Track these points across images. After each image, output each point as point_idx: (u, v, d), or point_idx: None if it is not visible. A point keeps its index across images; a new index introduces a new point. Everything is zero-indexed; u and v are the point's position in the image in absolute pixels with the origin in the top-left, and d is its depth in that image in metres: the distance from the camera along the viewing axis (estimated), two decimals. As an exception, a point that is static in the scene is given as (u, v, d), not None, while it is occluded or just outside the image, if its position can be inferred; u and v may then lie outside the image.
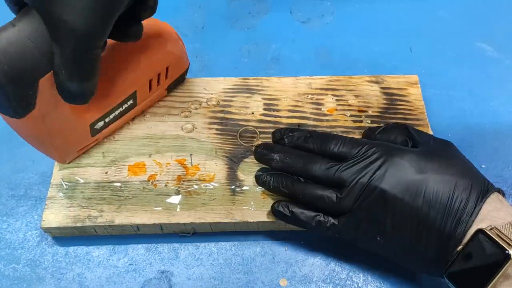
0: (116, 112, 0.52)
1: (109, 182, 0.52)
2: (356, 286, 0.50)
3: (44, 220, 0.50)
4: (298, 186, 0.48)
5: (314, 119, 0.57)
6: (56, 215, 0.50)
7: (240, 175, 0.53)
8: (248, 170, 0.53)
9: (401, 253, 0.44)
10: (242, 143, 0.55)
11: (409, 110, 0.57)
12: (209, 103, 0.58)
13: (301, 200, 0.48)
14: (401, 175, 0.43)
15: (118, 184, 0.52)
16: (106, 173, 0.53)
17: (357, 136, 0.55)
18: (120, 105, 0.52)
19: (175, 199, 0.51)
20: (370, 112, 0.57)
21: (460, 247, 0.40)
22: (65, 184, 0.52)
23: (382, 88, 0.59)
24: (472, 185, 0.42)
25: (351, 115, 0.57)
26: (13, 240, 0.53)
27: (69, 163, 0.53)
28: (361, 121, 0.56)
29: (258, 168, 0.53)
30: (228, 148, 0.54)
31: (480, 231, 0.39)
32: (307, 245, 0.52)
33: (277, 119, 0.57)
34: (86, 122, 0.50)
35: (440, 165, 0.43)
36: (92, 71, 0.40)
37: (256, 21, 0.72)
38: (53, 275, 0.50)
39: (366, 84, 0.59)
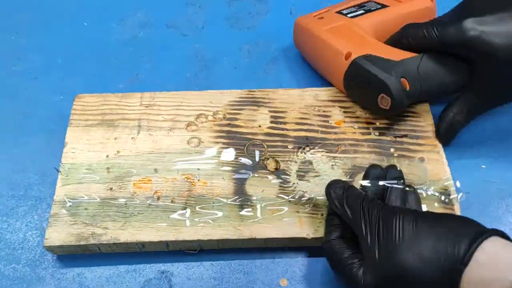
0: None
1: (114, 199, 0.51)
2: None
3: (46, 239, 0.49)
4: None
5: (322, 132, 0.56)
6: (60, 233, 0.49)
7: (248, 190, 0.52)
8: (256, 185, 0.52)
9: None
10: (249, 157, 0.54)
11: (417, 122, 0.56)
12: (215, 116, 0.57)
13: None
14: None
15: (123, 201, 0.51)
16: (111, 189, 0.52)
17: (366, 148, 0.54)
18: None
19: (181, 216, 0.50)
20: (378, 124, 0.56)
21: None
22: (69, 200, 0.51)
23: (390, 100, 0.58)
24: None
25: (359, 127, 0.56)
26: (13, 240, 0.52)
27: None
28: (370, 134, 0.55)
29: (265, 183, 0.52)
30: (235, 162, 0.53)
31: None
32: (307, 245, 0.51)
33: (285, 132, 0.56)
34: None
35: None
36: None
37: (256, 21, 0.71)
38: (53, 275, 0.50)
39: (373, 96, 0.58)
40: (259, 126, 0.56)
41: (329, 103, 0.58)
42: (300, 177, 0.53)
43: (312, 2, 0.73)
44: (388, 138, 0.55)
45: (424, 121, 0.56)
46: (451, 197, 0.51)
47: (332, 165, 0.53)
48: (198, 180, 0.52)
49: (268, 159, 0.54)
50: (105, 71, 0.65)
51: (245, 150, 0.54)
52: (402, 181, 0.48)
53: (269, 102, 0.58)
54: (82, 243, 0.48)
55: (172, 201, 0.51)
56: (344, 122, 0.56)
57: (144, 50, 0.67)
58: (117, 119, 0.56)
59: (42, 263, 0.51)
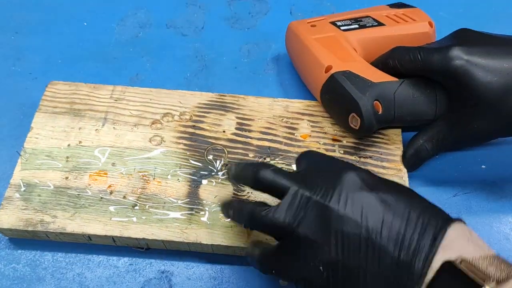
0: None
1: (68, 188, 0.51)
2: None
3: None
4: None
5: (286, 144, 0.55)
6: (10, 216, 0.49)
7: (201, 194, 0.52)
8: (210, 190, 0.52)
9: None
10: (208, 161, 0.54)
11: (385, 144, 0.55)
12: (182, 117, 0.57)
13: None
14: (350, 189, 0.38)
15: (76, 191, 0.51)
16: (67, 178, 0.52)
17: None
18: None
19: (130, 213, 0.50)
20: (344, 142, 0.55)
21: (425, 279, 0.35)
22: (24, 185, 0.51)
23: (361, 118, 0.57)
24: (430, 215, 0.37)
25: (324, 144, 0.55)
26: (13, 239, 0.52)
27: None
28: (334, 151, 0.55)
29: (220, 189, 0.52)
30: (193, 165, 0.53)
31: (447, 263, 0.34)
32: None
33: (248, 140, 0.55)
34: None
35: (391, 191, 0.38)
36: None
37: (256, 21, 0.71)
38: (53, 275, 0.50)
39: (345, 112, 0.57)
40: (223, 132, 0.56)
41: (298, 116, 0.57)
42: (256, 187, 0.52)
43: (312, 2, 0.73)
44: (352, 158, 0.54)
45: (392, 145, 0.55)
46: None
47: (290, 178, 0.52)
48: (154, 179, 0.52)
49: (226, 165, 0.53)
50: (105, 71, 0.65)
51: (205, 154, 0.54)
52: None
53: (238, 108, 0.57)
54: (30, 229, 0.49)
55: (124, 197, 0.51)
56: (310, 136, 0.56)
57: (144, 50, 0.68)
58: (85, 109, 0.57)
59: (42, 263, 0.51)
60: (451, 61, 0.48)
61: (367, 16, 0.61)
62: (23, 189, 0.51)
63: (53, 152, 0.54)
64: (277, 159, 0.54)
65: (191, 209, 0.50)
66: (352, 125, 0.51)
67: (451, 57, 0.48)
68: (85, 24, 0.70)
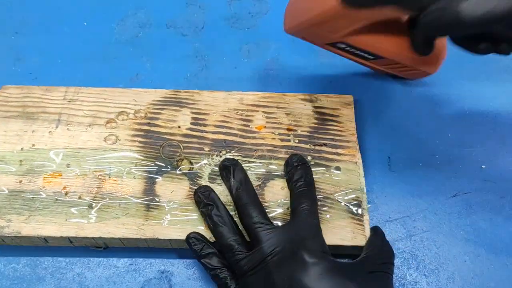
0: None
1: (22, 192, 0.51)
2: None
3: None
4: (218, 223, 0.47)
5: (241, 136, 0.55)
6: (-37, 222, 0.49)
7: (158, 190, 0.52)
8: (166, 186, 0.52)
9: None
10: (164, 157, 0.54)
11: (339, 131, 0.56)
12: (136, 114, 0.57)
13: (215, 238, 0.48)
14: (294, 272, 0.43)
15: (31, 194, 0.51)
16: (20, 181, 0.52)
17: (283, 155, 0.54)
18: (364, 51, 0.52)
19: (86, 212, 0.50)
20: (299, 132, 0.56)
21: None
22: (-23, 191, 0.51)
23: (315, 107, 0.58)
24: None
25: (279, 134, 0.56)
26: None
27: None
28: (289, 140, 0.55)
29: (176, 184, 0.52)
30: (149, 162, 0.53)
31: None
32: None
33: (203, 134, 0.55)
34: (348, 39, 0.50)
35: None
36: None
37: (256, 21, 0.71)
38: (53, 275, 0.50)
39: (299, 102, 0.58)
40: (179, 127, 0.56)
41: (253, 108, 0.57)
42: (212, 180, 0.52)
43: None
44: (307, 146, 0.55)
45: (346, 131, 0.56)
46: (362, 208, 0.51)
47: (246, 170, 0.53)
48: (109, 178, 0.52)
49: (182, 160, 0.54)
50: (105, 71, 0.64)
51: (160, 150, 0.54)
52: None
53: (192, 104, 0.58)
54: None
55: (79, 197, 0.51)
56: (265, 127, 0.56)
57: (144, 50, 0.67)
58: (38, 112, 0.56)
59: (42, 263, 0.51)
60: None
61: None
62: (-24, 194, 0.50)
63: (6, 156, 0.53)
64: (232, 151, 0.54)
65: (148, 205, 0.50)
66: None
67: None
68: (85, 24, 0.70)
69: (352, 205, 0.51)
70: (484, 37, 0.46)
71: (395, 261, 0.48)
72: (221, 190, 0.52)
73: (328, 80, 0.63)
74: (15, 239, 0.49)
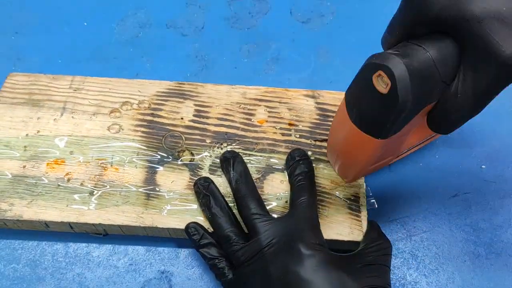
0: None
1: (25, 177, 0.52)
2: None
3: None
4: (217, 214, 0.48)
5: (243, 129, 0.56)
6: (-33, 205, 0.50)
7: (158, 179, 0.52)
8: (167, 176, 0.52)
9: None
10: (166, 147, 0.54)
11: (341, 127, 0.56)
12: (140, 105, 0.57)
13: (214, 229, 0.48)
14: (290, 264, 0.43)
15: (34, 180, 0.51)
16: (24, 167, 0.52)
17: (284, 149, 0.54)
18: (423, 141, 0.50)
19: (87, 199, 0.50)
20: (300, 127, 0.56)
21: None
22: (-19, 174, 0.51)
23: (317, 103, 0.58)
24: None
25: (280, 128, 0.56)
26: (13, 240, 0.52)
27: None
28: (290, 135, 0.55)
29: (177, 174, 0.52)
30: (151, 152, 0.54)
31: None
32: None
33: (205, 126, 0.56)
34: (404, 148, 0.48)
35: (341, 280, 0.42)
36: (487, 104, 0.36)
37: (256, 21, 0.72)
38: (53, 275, 0.50)
39: (302, 98, 0.58)
40: (181, 119, 0.56)
41: (255, 102, 0.58)
42: (212, 171, 0.53)
43: (312, 2, 0.73)
44: (308, 141, 0.55)
45: (347, 127, 0.56)
46: (359, 204, 0.51)
47: (246, 162, 0.53)
48: (111, 166, 0.53)
49: (184, 151, 0.54)
50: (105, 71, 0.65)
51: (163, 140, 0.55)
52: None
53: (196, 96, 0.58)
54: None
55: (81, 184, 0.51)
56: (267, 121, 0.56)
57: (144, 50, 0.68)
58: (44, 100, 0.57)
59: (42, 263, 0.51)
60: None
61: None
62: (-20, 178, 0.51)
63: (11, 142, 0.54)
64: (234, 144, 0.55)
65: (148, 194, 0.51)
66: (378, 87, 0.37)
67: None
68: (85, 24, 0.71)
69: (350, 201, 0.51)
70: None
71: (395, 261, 0.48)
72: (221, 182, 0.52)
73: (328, 80, 0.63)
74: (16, 223, 0.50)
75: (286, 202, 0.51)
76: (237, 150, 0.54)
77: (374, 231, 0.48)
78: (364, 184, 0.52)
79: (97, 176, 0.52)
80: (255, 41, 0.69)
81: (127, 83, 0.59)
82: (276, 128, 0.56)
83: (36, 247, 0.52)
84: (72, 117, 0.56)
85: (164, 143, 0.55)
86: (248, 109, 0.57)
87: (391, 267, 0.48)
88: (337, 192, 0.51)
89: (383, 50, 0.40)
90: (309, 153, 0.54)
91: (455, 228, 0.54)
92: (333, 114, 0.56)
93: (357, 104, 0.39)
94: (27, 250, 0.52)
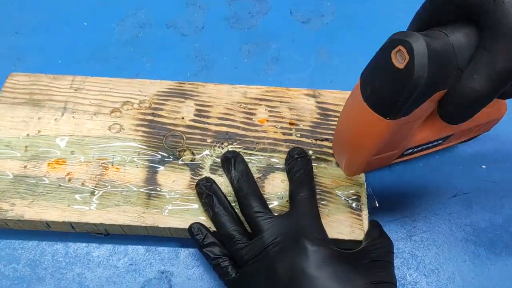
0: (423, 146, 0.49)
1: (26, 177, 0.52)
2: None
3: None
4: (220, 213, 0.48)
5: (243, 129, 0.56)
6: (-32, 205, 0.50)
7: (159, 179, 0.52)
8: (168, 175, 0.52)
9: None
10: (166, 147, 0.54)
11: (341, 126, 0.56)
12: (141, 105, 0.57)
13: (216, 228, 0.48)
14: (296, 260, 0.43)
15: (35, 180, 0.51)
16: (25, 167, 0.52)
17: (284, 148, 0.54)
18: (432, 142, 0.49)
19: (88, 199, 0.50)
20: (301, 126, 0.56)
21: None
22: (-18, 175, 0.51)
23: (318, 102, 0.58)
24: None
25: (281, 127, 0.56)
26: (13, 240, 0.53)
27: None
28: (291, 134, 0.55)
29: (178, 174, 0.52)
30: (152, 151, 0.54)
31: None
32: None
33: (206, 125, 0.56)
34: (410, 144, 0.47)
35: (347, 276, 0.42)
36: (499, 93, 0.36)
37: (256, 21, 0.72)
38: (53, 275, 0.50)
39: (302, 97, 0.58)
40: (182, 118, 0.56)
41: (256, 101, 0.58)
42: (213, 171, 0.53)
43: (312, 2, 0.73)
44: (309, 141, 0.55)
45: (348, 126, 0.56)
46: (360, 203, 0.51)
47: (247, 162, 0.53)
48: (112, 166, 0.53)
49: (185, 151, 0.54)
50: (105, 71, 0.65)
51: (163, 140, 0.55)
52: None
53: (197, 96, 0.58)
54: None
55: (82, 184, 0.51)
56: (268, 121, 0.56)
57: (144, 50, 0.68)
58: (44, 100, 0.57)
59: (42, 263, 0.51)
60: None
61: None
62: (-19, 178, 0.51)
63: (12, 142, 0.54)
64: (234, 143, 0.55)
65: (149, 194, 0.51)
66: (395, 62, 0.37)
67: None
68: (85, 24, 0.71)
69: (351, 199, 0.51)
70: None
71: (395, 261, 0.48)
72: (222, 181, 0.52)
73: (328, 80, 0.63)
74: (18, 223, 0.50)
75: (287, 201, 0.51)
76: (238, 150, 0.54)
77: (375, 229, 0.48)
78: (365, 183, 0.52)
79: (98, 176, 0.52)
80: (255, 41, 0.69)
81: (127, 83, 0.59)
82: (277, 128, 0.56)
83: (36, 247, 0.52)
84: (73, 117, 0.56)
85: (165, 142, 0.55)
86: (249, 109, 0.57)
87: (392, 267, 0.48)
88: (338, 191, 0.52)
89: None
90: (310, 152, 0.54)
91: (455, 228, 0.54)
92: (334, 113, 0.57)
93: (372, 81, 0.39)
94: (27, 250, 0.52)
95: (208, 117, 0.57)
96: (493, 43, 0.34)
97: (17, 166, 0.52)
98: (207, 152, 0.54)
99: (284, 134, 0.56)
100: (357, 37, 0.69)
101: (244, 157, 0.53)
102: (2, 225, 0.51)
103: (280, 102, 0.58)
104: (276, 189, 0.52)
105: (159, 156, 0.54)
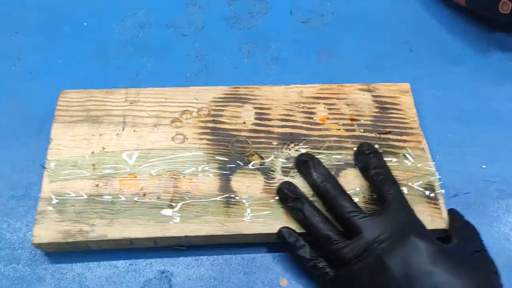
0: None
1: (100, 195, 0.51)
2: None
3: (34, 236, 0.48)
4: (311, 215, 0.48)
5: (306, 128, 0.56)
6: (47, 230, 0.49)
7: (234, 186, 0.52)
8: (241, 181, 0.52)
9: None
10: (234, 153, 0.54)
11: (401, 118, 0.57)
12: (199, 113, 0.57)
13: (309, 230, 0.48)
14: (409, 257, 0.43)
15: (110, 197, 0.51)
16: (97, 185, 0.52)
17: (350, 145, 0.55)
18: None
19: (168, 212, 0.50)
20: (362, 121, 0.57)
21: None
22: (55, 198, 0.50)
23: (374, 96, 0.59)
24: None
25: (343, 124, 0.57)
26: (13, 240, 0.52)
27: None
28: (354, 130, 0.56)
29: (251, 179, 0.52)
30: (220, 159, 0.54)
31: None
32: None
33: (269, 128, 0.56)
34: None
35: (460, 270, 0.42)
36: None
37: (256, 21, 0.71)
38: (53, 275, 0.50)
39: (358, 92, 0.59)
40: (244, 123, 0.56)
41: (313, 100, 0.58)
42: (285, 173, 0.53)
43: (312, 2, 0.73)
44: (372, 135, 0.56)
45: (408, 118, 0.57)
46: (436, 192, 0.52)
47: (317, 161, 0.54)
48: (184, 177, 0.52)
49: (253, 155, 0.54)
50: (105, 71, 0.64)
51: (230, 146, 0.55)
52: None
53: (253, 99, 0.58)
54: (70, 240, 0.48)
55: (158, 198, 0.51)
56: (328, 119, 0.57)
57: (144, 50, 0.67)
58: (102, 115, 0.56)
59: (42, 263, 0.50)
60: None
61: None
62: (54, 201, 0.50)
63: (78, 161, 0.53)
64: (300, 144, 0.55)
65: (227, 202, 0.51)
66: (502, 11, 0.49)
67: None
68: (85, 24, 0.69)
69: (426, 189, 0.52)
70: None
71: None
72: (296, 183, 0.52)
73: (328, 80, 0.64)
74: (100, 243, 0.49)
75: (365, 197, 0.52)
76: (305, 150, 0.54)
77: (458, 218, 0.49)
78: (437, 173, 0.53)
79: (172, 188, 0.52)
80: (255, 41, 0.69)
81: (182, 92, 0.58)
82: (338, 125, 0.57)
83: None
84: (134, 130, 0.55)
85: (232, 148, 0.55)
86: (308, 108, 0.58)
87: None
88: (411, 183, 0.53)
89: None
90: (376, 146, 0.55)
91: (455, 228, 0.54)
92: (392, 106, 0.58)
93: None
94: (27, 250, 0.51)
95: (269, 119, 0.57)
96: None
97: (88, 186, 0.52)
98: (275, 154, 0.54)
99: (347, 130, 0.56)
100: (357, 37, 0.69)
101: (313, 157, 0.53)
102: (82, 247, 0.50)
103: (337, 99, 0.59)
104: (351, 185, 0.53)
105: (229, 163, 0.54)
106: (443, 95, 0.63)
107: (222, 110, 0.57)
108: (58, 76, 0.63)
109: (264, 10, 0.73)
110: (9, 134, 0.58)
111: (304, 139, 0.55)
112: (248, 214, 0.50)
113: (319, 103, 0.58)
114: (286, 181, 0.51)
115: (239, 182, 0.52)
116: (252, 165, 0.54)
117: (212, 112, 0.57)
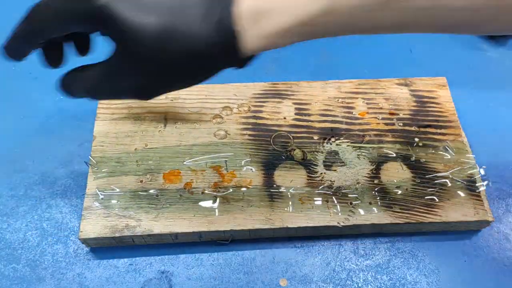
0: None
1: (145, 191, 0.51)
2: (356, 286, 0.50)
3: (81, 231, 0.49)
4: None
5: (346, 123, 0.56)
6: (94, 225, 0.49)
7: (277, 180, 0.52)
8: (284, 175, 0.53)
9: None
10: (276, 148, 0.55)
11: (440, 112, 0.57)
12: (240, 109, 0.57)
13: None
14: None
15: (154, 193, 0.51)
16: (141, 181, 0.52)
17: (391, 138, 0.55)
18: None
19: (213, 207, 0.50)
20: (401, 115, 0.57)
21: None
22: (101, 193, 0.51)
23: (411, 90, 0.59)
24: None
25: (382, 118, 0.57)
26: (13, 240, 0.52)
27: None
28: (393, 124, 0.56)
29: (294, 173, 0.53)
30: (263, 154, 0.54)
31: None
32: (307, 245, 0.52)
33: (310, 123, 0.57)
34: None
35: None
36: None
37: None
38: (53, 275, 0.50)
39: (395, 87, 0.59)
40: (284, 118, 0.57)
41: (352, 95, 0.59)
42: (327, 166, 0.54)
43: None
44: (412, 128, 0.56)
45: (446, 112, 0.57)
46: (476, 184, 0.52)
47: (358, 155, 0.54)
48: (227, 172, 0.53)
49: (294, 150, 0.55)
50: None
51: (271, 141, 0.55)
52: None
53: (292, 94, 0.59)
54: (117, 235, 0.49)
55: (202, 193, 0.51)
56: (368, 113, 0.57)
57: None
58: (143, 113, 0.57)
59: (42, 263, 0.51)
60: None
61: None
62: (101, 197, 0.51)
63: (122, 157, 0.54)
64: (341, 138, 0.56)
65: (271, 195, 0.51)
66: None
67: None
68: None
69: (467, 181, 0.52)
70: None
71: (395, 261, 0.51)
72: (339, 177, 0.53)
73: (328, 79, 0.63)
74: (146, 238, 0.50)
75: (407, 189, 0.52)
76: (345, 144, 0.55)
77: None
78: (477, 165, 0.53)
79: (216, 183, 0.52)
80: None
81: (222, 88, 0.59)
82: (378, 119, 0.57)
83: (36, 247, 0.52)
84: (176, 127, 0.56)
85: (273, 143, 0.55)
86: (347, 103, 0.58)
87: (392, 267, 0.51)
88: (452, 175, 0.53)
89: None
90: (416, 139, 0.55)
91: (456, 228, 0.54)
92: (429, 100, 0.58)
93: None
94: (27, 250, 0.51)
95: (309, 114, 0.57)
96: None
97: (133, 182, 0.52)
98: (316, 148, 0.55)
99: (386, 124, 0.57)
100: (357, 37, 0.69)
101: (354, 151, 0.54)
102: (127, 242, 0.50)
103: (375, 93, 0.59)
104: (392, 178, 0.53)
105: (272, 158, 0.54)
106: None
107: (262, 106, 0.58)
108: (58, 76, 0.63)
109: (264, 10, 0.73)
110: (9, 134, 0.59)
111: (345, 133, 0.56)
112: (292, 208, 0.51)
113: (357, 98, 0.59)
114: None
115: (282, 177, 0.53)
116: (294, 160, 0.54)
117: (253, 108, 0.58)
